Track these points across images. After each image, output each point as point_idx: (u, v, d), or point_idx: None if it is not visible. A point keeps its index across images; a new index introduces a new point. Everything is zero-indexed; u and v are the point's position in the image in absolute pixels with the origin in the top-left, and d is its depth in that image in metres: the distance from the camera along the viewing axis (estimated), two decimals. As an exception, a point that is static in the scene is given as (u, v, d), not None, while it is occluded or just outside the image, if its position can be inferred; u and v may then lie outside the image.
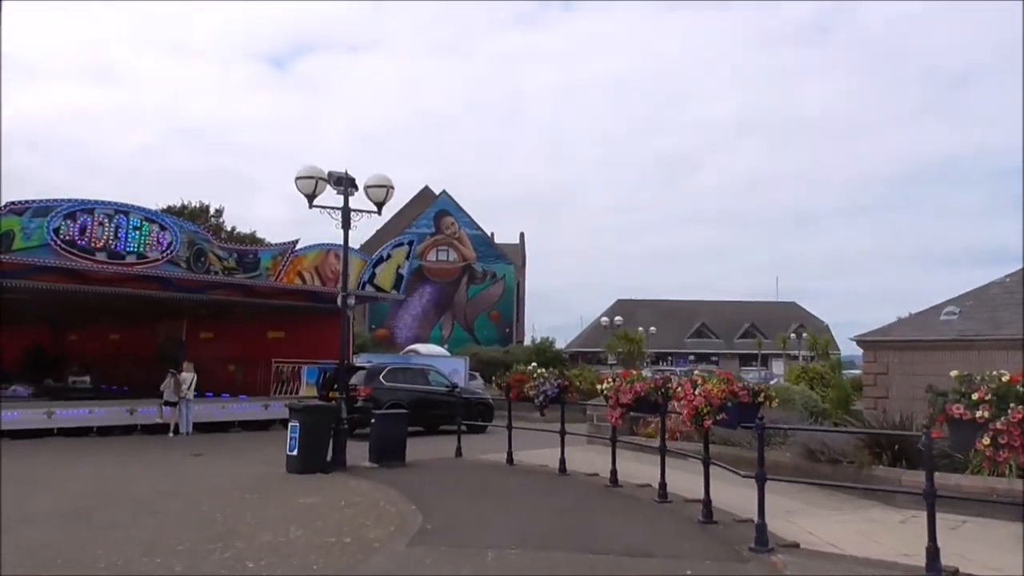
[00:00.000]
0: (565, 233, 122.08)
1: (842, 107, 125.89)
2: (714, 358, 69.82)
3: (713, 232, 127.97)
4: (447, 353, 32.80)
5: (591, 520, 8.85)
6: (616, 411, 10.67)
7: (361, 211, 13.41)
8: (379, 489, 10.72)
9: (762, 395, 7.69)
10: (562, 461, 12.55)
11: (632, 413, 11.29)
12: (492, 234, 61.26)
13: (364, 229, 63.71)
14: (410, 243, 23.60)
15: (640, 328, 49.93)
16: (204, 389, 25.90)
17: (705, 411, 7.88)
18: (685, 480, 10.48)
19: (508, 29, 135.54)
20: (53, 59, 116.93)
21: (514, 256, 61.08)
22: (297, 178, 12.85)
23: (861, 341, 15.87)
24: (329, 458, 12.65)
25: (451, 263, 57.78)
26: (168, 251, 18.71)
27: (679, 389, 8.58)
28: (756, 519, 7.45)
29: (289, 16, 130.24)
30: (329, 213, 13.16)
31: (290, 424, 12.52)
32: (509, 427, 13.85)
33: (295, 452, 12.30)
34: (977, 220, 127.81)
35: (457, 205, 58.59)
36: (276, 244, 21.27)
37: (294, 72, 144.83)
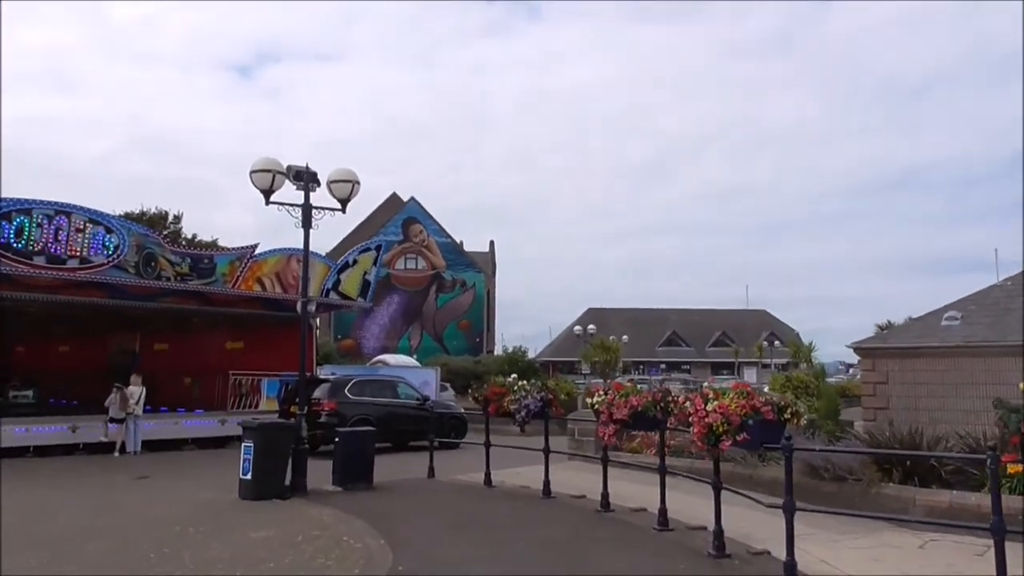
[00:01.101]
0: (533, 242, 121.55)
1: (805, 118, 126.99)
2: (686, 367, 69.25)
3: (680, 242, 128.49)
4: (417, 364, 31.48)
5: (587, 555, 7.71)
6: (609, 428, 9.55)
7: (324, 208, 12.19)
8: (343, 519, 9.48)
9: (788, 411, 6.62)
10: (546, 483, 11.41)
11: (627, 430, 10.17)
12: (461, 242, 60.06)
13: (330, 236, 62.15)
14: (377, 248, 22.32)
15: (612, 337, 49.00)
16: (160, 404, 24.54)
17: (722, 430, 6.80)
18: (678, 501, 9.40)
19: (476, 39, 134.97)
20: (14, 66, 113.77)
21: (484, 264, 59.89)
22: (252, 171, 11.59)
23: (859, 348, 14.99)
24: (288, 481, 11.39)
25: (420, 271, 56.40)
26: (115, 255, 17.24)
27: (687, 404, 7.49)
28: (785, 556, 6.40)
29: (256, 25, 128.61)
30: (288, 210, 11.92)
31: (243, 444, 11.22)
32: (487, 445, 12.67)
33: (248, 476, 11.00)
34: (937, 228, 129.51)
35: (425, 212, 57.28)
36: (234, 248, 19.87)
37: (260, 80, 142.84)
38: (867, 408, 14.42)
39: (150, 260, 17.95)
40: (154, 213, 48.95)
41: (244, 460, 11.11)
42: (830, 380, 29.08)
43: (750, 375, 64.48)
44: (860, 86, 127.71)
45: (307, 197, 11.99)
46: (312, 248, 13.32)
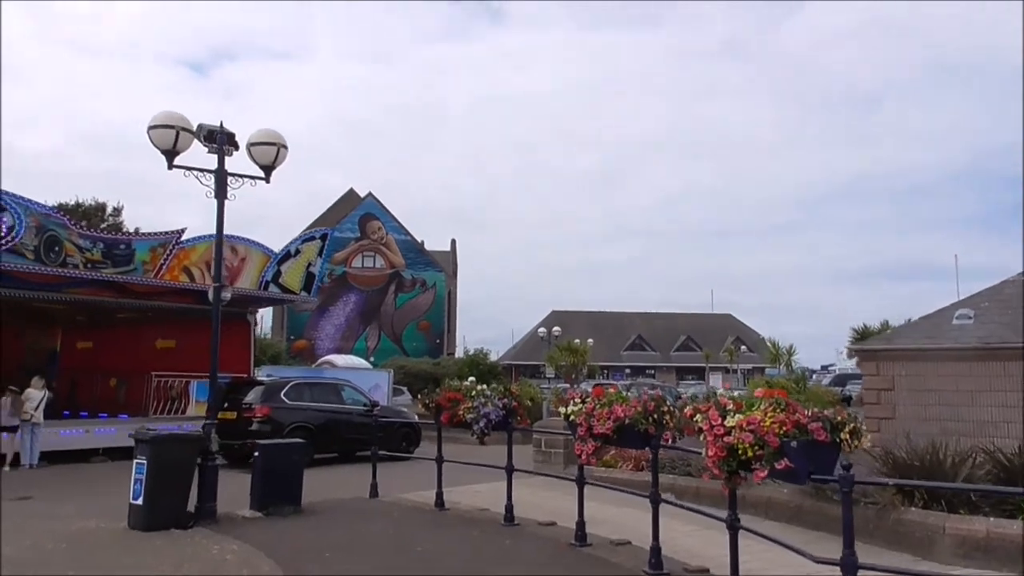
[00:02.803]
0: (493, 245, 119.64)
1: (757, 126, 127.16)
2: (650, 371, 67.86)
3: (638, 245, 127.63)
4: (368, 366, 29.29)
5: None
6: (588, 444, 7.65)
7: (242, 176, 10.10)
8: (249, 560, 7.43)
9: (846, 429, 4.74)
10: (509, 508, 9.46)
11: (609, 446, 8.31)
12: (422, 241, 57.90)
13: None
14: (323, 237, 20.16)
15: (577, 340, 47.22)
16: (80, 408, 22.21)
17: (751, 453, 4.92)
18: (666, 528, 7.48)
19: (436, 40, 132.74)
20: None
21: (445, 263, 57.79)
22: (150, 127, 9.47)
23: (861, 351, 13.33)
24: (194, 506, 9.29)
25: (378, 270, 54.10)
26: (8, 238, 14.90)
27: (698, 418, 5.59)
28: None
29: (210, 21, 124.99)
30: (198, 177, 9.80)
31: (135, 460, 9.08)
32: (439, 460, 10.67)
33: (140, 500, 8.87)
34: (888, 236, 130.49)
35: (384, 208, 55.02)
36: (156, 233, 17.59)
37: (215, 77, 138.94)
38: (870, 418, 12.70)
39: (53, 244, 15.62)
40: (90, 204, 46.02)
41: (135, 480, 8.98)
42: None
43: (715, 380, 63.28)
44: (812, 95, 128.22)
45: (221, 161, 9.91)
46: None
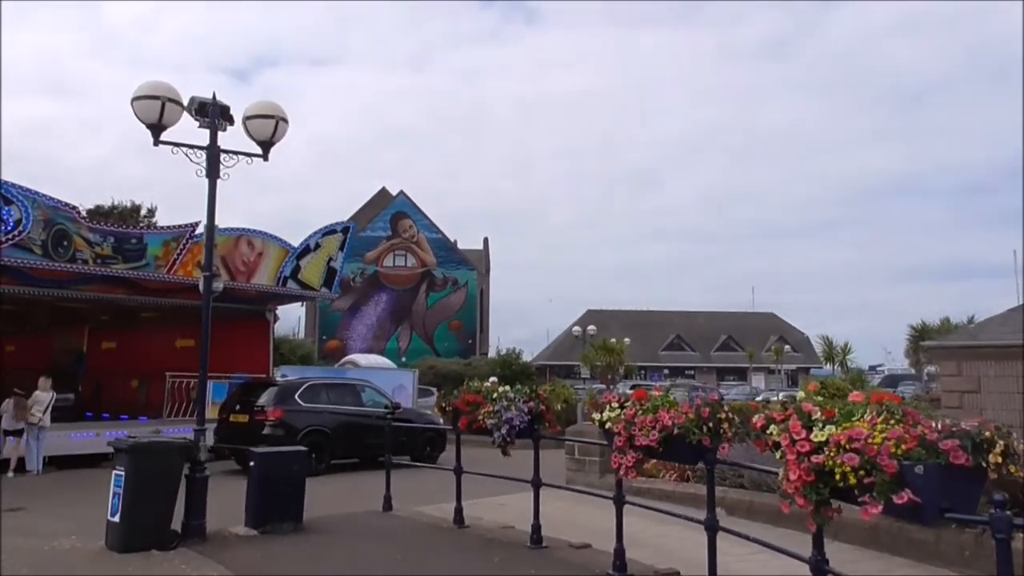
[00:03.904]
0: (530, 247, 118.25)
1: (803, 123, 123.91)
2: (690, 371, 66.06)
3: (677, 247, 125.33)
4: (392, 365, 28.23)
5: None
6: (628, 456, 6.42)
7: (237, 153, 9.04)
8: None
9: (996, 450, 3.44)
10: (536, 528, 8.25)
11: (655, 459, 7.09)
12: (455, 240, 56.88)
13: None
14: (344, 230, 19.14)
15: (613, 339, 45.74)
16: (104, 409, 21.72)
17: (854, 479, 3.65)
18: (694, 544, 6.20)
19: (471, 44, 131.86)
20: (9, 70, 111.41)
21: (477, 262, 56.68)
22: (134, 99, 8.45)
23: (939, 348, 11.83)
24: (181, 523, 8.24)
25: (409, 269, 53.21)
26: (15, 232, 14.11)
27: (772, 430, 4.33)
28: None
29: (252, 29, 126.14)
30: (187, 154, 8.76)
31: (113, 472, 8.06)
32: (458, 471, 9.50)
33: (117, 517, 7.84)
34: (938, 234, 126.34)
35: (415, 207, 54.11)
36: (169, 227, 16.73)
37: (256, 85, 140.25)
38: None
39: (62, 239, 14.83)
40: (125, 206, 45.77)
41: (113, 494, 7.95)
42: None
43: (758, 380, 61.30)
44: (859, 91, 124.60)
45: (214, 137, 8.85)
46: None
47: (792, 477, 4.08)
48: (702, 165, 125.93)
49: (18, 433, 14.24)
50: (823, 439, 3.99)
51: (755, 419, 4.63)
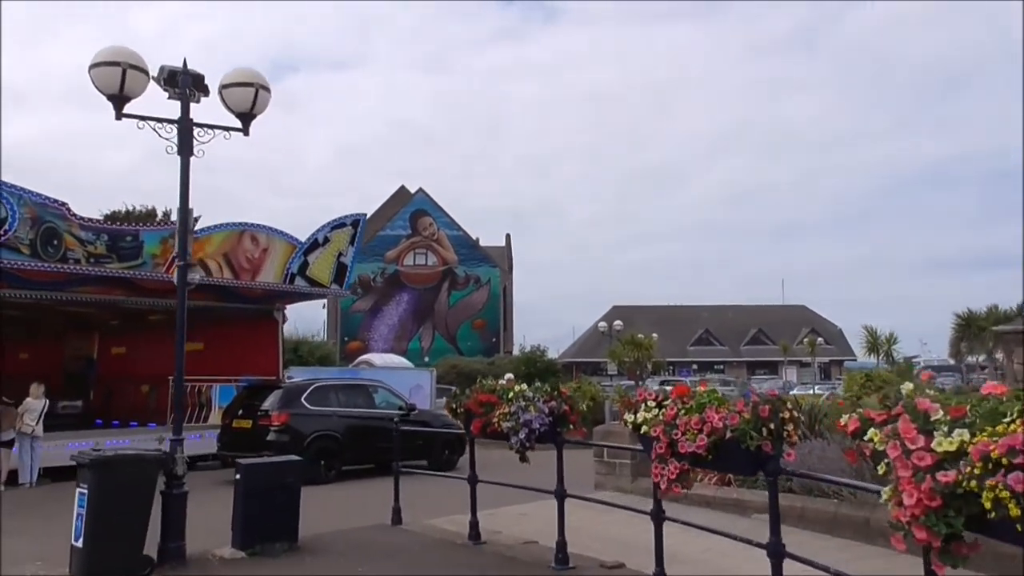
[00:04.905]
0: (552, 246, 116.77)
1: (829, 115, 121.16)
2: (719, 366, 64.52)
3: (702, 243, 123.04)
4: (408, 364, 27.23)
5: None
6: (669, 467, 5.29)
7: (212, 127, 8.02)
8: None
9: None
10: (561, 545, 7.15)
11: (703, 468, 5.97)
12: (477, 238, 55.83)
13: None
14: (355, 224, 18.09)
15: (640, 335, 44.42)
16: (114, 417, 21.02)
17: (1017, 510, 2.50)
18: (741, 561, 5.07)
19: (491, 43, 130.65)
20: (45, 85, 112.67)
21: (499, 259, 55.58)
22: (91, 66, 7.45)
23: (1011, 332, 10.51)
24: (157, 547, 7.25)
25: (430, 267, 52.25)
26: (1, 231, 13.27)
27: (872, 436, 3.18)
28: None
29: (274, 35, 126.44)
30: (155, 129, 7.76)
31: (77, 491, 7.07)
32: (472, 480, 8.41)
33: (80, 542, 6.85)
34: (968, 224, 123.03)
35: (435, 204, 53.13)
36: (167, 224, 15.87)
37: (277, 90, 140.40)
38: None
39: (51, 237, 13.94)
40: (140, 210, 45.30)
41: (76, 515, 6.97)
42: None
43: (791, 374, 59.62)
44: (884, 82, 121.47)
45: (185, 109, 7.83)
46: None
47: (908, 501, 2.93)
48: (726, 160, 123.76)
49: (8, 444, 13.39)
50: (951, 448, 2.84)
51: (844, 420, 3.48)
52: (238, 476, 7.94)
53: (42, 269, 13.94)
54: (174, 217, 43.97)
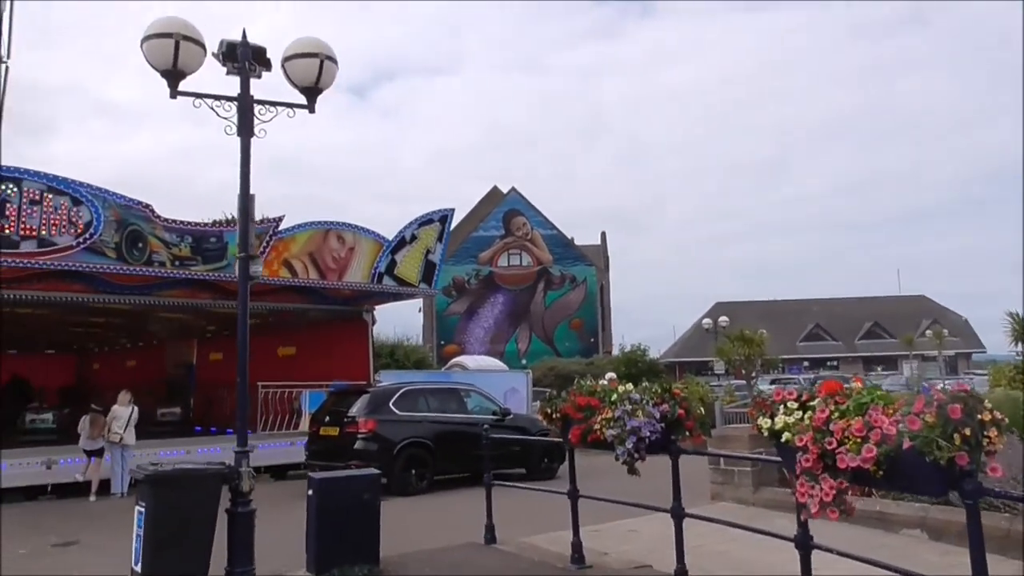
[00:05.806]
0: (649, 245, 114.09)
1: (941, 98, 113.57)
2: (832, 362, 61.00)
3: (808, 237, 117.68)
4: (503, 366, 26.31)
5: None
6: (825, 487, 4.10)
7: (275, 104, 7.27)
8: None
9: None
10: (681, 573, 6.01)
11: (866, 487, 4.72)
12: (572, 237, 54.61)
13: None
14: (442, 220, 17.32)
15: (747, 331, 42.10)
16: (212, 424, 21.14)
17: None
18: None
19: (585, 41, 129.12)
20: (160, 106, 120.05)
21: (595, 258, 54.21)
22: (143, 39, 6.81)
23: None
24: (225, 571, 6.51)
25: (524, 268, 51.40)
26: (87, 234, 13.13)
27: None
28: None
29: (373, 46, 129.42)
30: (213, 107, 7.06)
31: (136, 509, 6.40)
32: (573, 495, 7.36)
33: (139, 566, 6.17)
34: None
35: (528, 203, 52.26)
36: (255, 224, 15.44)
37: (374, 99, 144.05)
38: None
39: (136, 240, 13.75)
40: (222, 220, 46.32)
41: (135, 536, 6.30)
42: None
43: (907, 369, 55.66)
44: (1000, 61, 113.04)
45: (245, 85, 7.10)
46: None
47: None
48: (832, 150, 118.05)
49: (98, 453, 13.20)
50: None
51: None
52: (310, 492, 7.15)
53: (128, 273, 13.78)
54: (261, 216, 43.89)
